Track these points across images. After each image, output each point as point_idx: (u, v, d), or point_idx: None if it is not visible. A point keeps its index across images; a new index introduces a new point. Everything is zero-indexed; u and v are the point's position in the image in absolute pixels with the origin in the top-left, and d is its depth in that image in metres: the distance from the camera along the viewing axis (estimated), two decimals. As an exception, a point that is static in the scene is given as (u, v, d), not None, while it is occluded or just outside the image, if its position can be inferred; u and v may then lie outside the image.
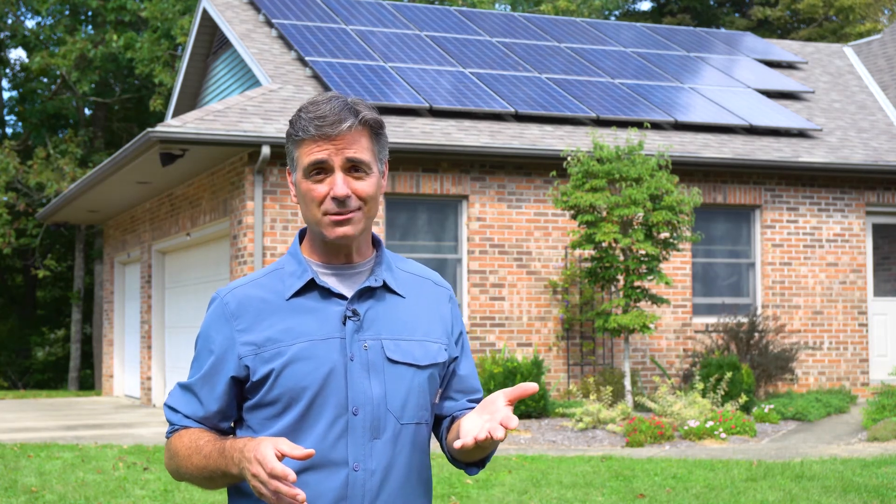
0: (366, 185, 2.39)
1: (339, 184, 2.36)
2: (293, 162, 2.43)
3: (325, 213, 2.37)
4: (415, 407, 2.43)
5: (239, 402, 2.45)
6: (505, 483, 9.07)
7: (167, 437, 2.51)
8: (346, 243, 2.41)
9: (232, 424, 2.49)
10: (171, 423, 2.48)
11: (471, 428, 2.30)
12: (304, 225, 2.52)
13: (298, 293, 2.42)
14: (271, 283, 2.45)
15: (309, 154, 2.38)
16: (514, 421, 2.22)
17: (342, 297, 2.42)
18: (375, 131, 2.43)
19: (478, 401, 2.59)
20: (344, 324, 2.39)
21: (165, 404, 2.50)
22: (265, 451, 2.18)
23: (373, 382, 2.38)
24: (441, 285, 2.57)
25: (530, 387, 2.24)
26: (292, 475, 2.15)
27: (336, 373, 2.37)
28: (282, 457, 2.18)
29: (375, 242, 2.52)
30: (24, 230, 26.73)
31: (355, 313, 2.40)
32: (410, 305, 2.48)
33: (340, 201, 2.36)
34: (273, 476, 2.17)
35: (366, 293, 2.44)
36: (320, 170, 2.38)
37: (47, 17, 28.60)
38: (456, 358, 2.55)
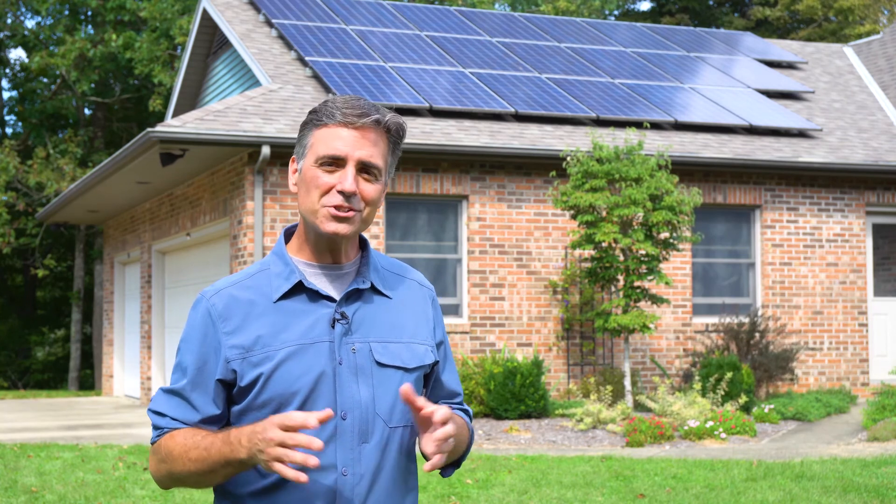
0: (373, 190, 2.39)
1: (350, 179, 2.35)
2: (304, 148, 2.41)
3: (325, 205, 2.35)
4: (402, 410, 2.41)
5: (228, 404, 2.42)
6: (505, 483, 9.07)
7: (152, 444, 2.44)
8: (336, 240, 2.39)
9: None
10: (158, 428, 2.42)
11: (430, 451, 2.32)
12: (290, 224, 2.51)
13: (286, 295, 2.39)
14: (258, 285, 2.41)
15: (326, 143, 2.36)
16: (437, 413, 2.27)
17: (330, 299, 2.40)
18: (394, 140, 2.43)
19: (459, 403, 2.62)
20: (332, 327, 2.38)
21: (150, 410, 2.43)
22: (288, 413, 2.19)
23: (361, 386, 2.37)
24: (425, 286, 2.56)
25: (405, 388, 2.29)
26: (312, 421, 2.16)
27: (325, 377, 2.35)
28: (318, 423, 2.18)
29: (361, 242, 2.51)
30: (24, 230, 26.73)
31: (344, 316, 2.38)
32: (397, 306, 2.47)
33: (346, 196, 2.35)
34: (285, 427, 2.16)
35: (353, 295, 2.42)
36: (333, 162, 2.36)
37: (47, 17, 28.61)
38: (437, 362, 2.54)
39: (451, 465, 2.55)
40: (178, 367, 2.42)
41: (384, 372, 2.40)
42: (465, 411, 2.63)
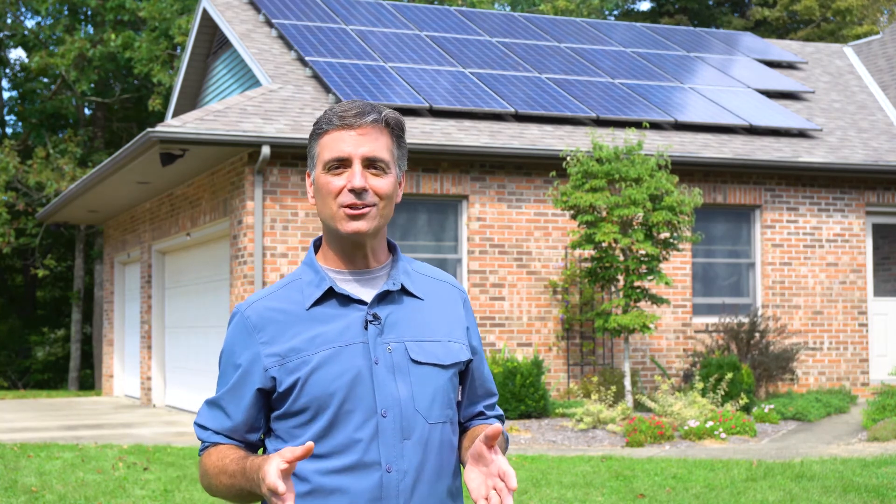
0: (383, 183, 2.43)
1: (358, 176, 2.39)
2: (313, 159, 2.47)
3: (341, 206, 2.40)
4: (441, 406, 2.45)
5: (266, 413, 2.48)
6: (505, 483, 9.06)
7: (199, 455, 2.54)
8: (359, 240, 2.43)
9: (262, 436, 2.52)
10: (201, 441, 2.51)
11: (476, 486, 2.29)
12: (312, 233, 2.55)
13: (318, 302, 2.44)
14: (290, 295, 2.47)
15: (330, 148, 2.42)
16: (513, 479, 2.23)
17: (362, 302, 2.44)
18: (396, 133, 2.48)
19: (492, 406, 2.64)
20: (365, 328, 2.42)
21: (195, 423, 2.53)
22: (267, 469, 2.18)
23: (399, 384, 2.41)
24: (457, 288, 2.61)
25: (496, 429, 2.26)
26: (281, 488, 2.14)
27: (362, 377, 2.39)
28: (295, 459, 2.16)
29: (391, 248, 2.55)
30: (24, 230, 26.74)
31: (376, 317, 2.43)
32: (429, 307, 2.51)
33: (357, 193, 2.39)
34: (270, 490, 2.17)
35: (385, 297, 2.46)
36: (340, 164, 2.41)
37: (47, 17, 28.61)
38: (472, 360, 2.57)
39: None
40: (219, 379, 2.51)
41: (421, 369, 2.44)
42: (500, 417, 2.67)
